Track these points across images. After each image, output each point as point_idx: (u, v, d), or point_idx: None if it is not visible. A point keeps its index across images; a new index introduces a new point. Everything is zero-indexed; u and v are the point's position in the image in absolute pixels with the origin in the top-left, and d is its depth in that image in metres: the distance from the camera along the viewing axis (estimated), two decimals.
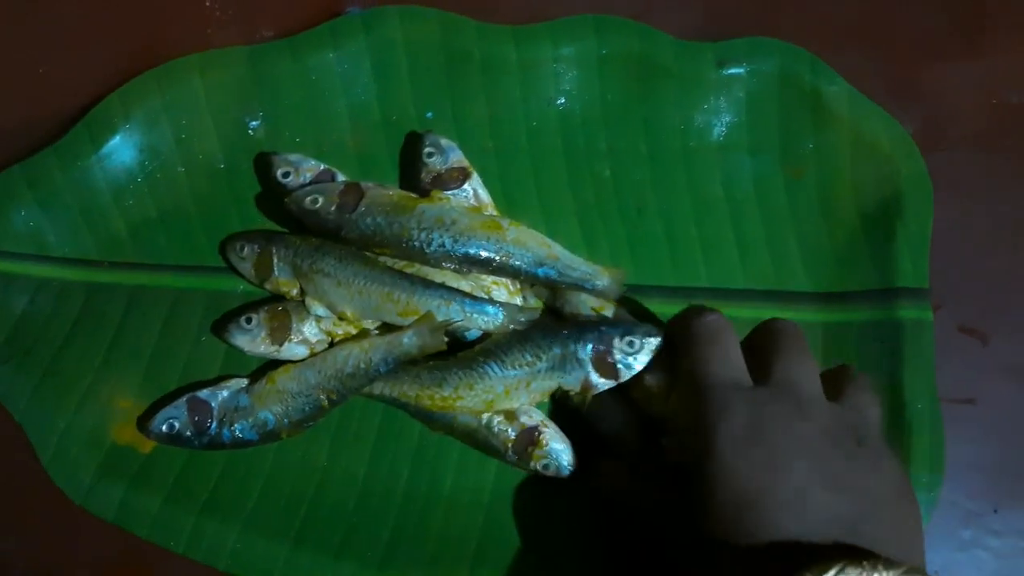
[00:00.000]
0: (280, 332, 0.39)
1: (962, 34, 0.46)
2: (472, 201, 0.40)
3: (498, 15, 0.43)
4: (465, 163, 0.41)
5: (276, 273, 0.39)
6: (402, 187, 0.42)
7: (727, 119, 0.43)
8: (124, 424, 0.39)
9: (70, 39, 0.44)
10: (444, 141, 0.41)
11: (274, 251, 0.39)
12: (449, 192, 0.40)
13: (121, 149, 0.41)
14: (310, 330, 0.39)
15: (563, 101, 0.43)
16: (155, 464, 0.39)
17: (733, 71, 0.43)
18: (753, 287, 0.42)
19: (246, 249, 0.39)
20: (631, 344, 0.38)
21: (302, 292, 0.39)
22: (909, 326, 0.40)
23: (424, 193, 0.40)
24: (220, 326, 0.40)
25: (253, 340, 0.39)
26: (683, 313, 0.38)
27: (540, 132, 0.43)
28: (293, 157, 0.40)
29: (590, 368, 0.38)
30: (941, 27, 0.46)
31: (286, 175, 0.40)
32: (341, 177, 0.41)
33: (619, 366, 0.38)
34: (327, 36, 0.42)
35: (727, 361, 0.35)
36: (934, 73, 0.45)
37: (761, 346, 0.35)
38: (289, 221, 0.41)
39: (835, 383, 0.35)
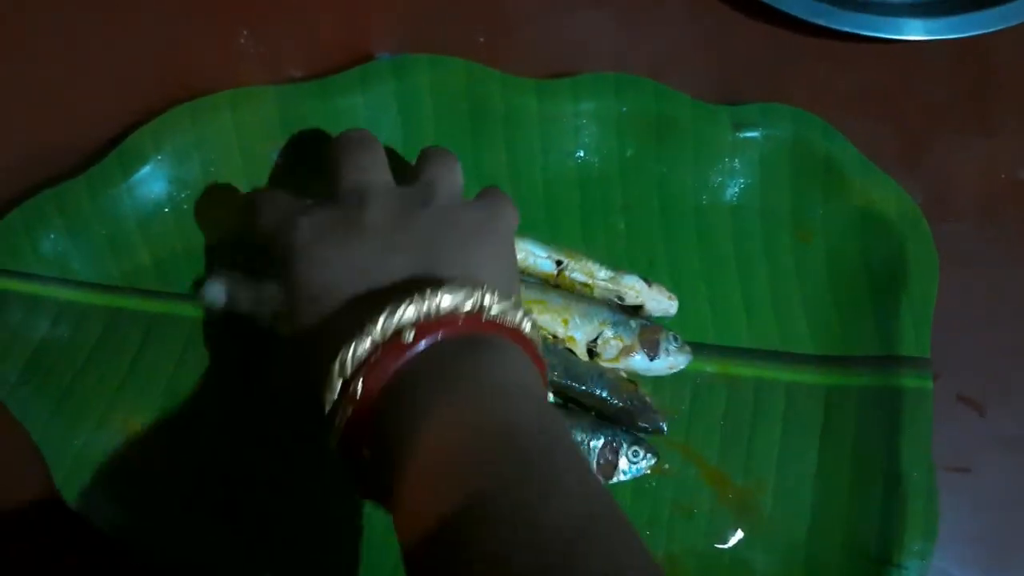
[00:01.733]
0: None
1: (972, 108, 0.47)
2: None
3: (523, 66, 0.44)
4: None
5: None
6: None
7: (740, 180, 0.44)
8: (137, 447, 0.40)
9: (103, 68, 0.45)
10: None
11: None
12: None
13: (150, 180, 0.42)
14: None
15: (582, 154, 0.44)
16: (165, 487, 0.39)
17: (748, 134, 0.44)
18: (758, 347, 0.43)
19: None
20: (635, 454, 0.40)
21: None
22: (909, 394, 0.41)
23: None
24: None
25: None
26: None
27: (558, 183, 0.44)
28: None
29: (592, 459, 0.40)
30: (952, 100, 0.47)
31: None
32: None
33: (618, 469, 0.40)
34: (356, 80, 0.43)
35: (279, 197, 0.37)
36: (943, 145, 0.46)
37: (330, 167, 0.37)
38: None
39: (414, 167, 0.38)
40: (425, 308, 0.29)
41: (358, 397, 0.29)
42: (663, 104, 0.44)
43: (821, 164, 0.44)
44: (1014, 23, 0.45)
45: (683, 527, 0.41)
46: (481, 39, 0.46)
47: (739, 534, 0.41)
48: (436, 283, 0.30)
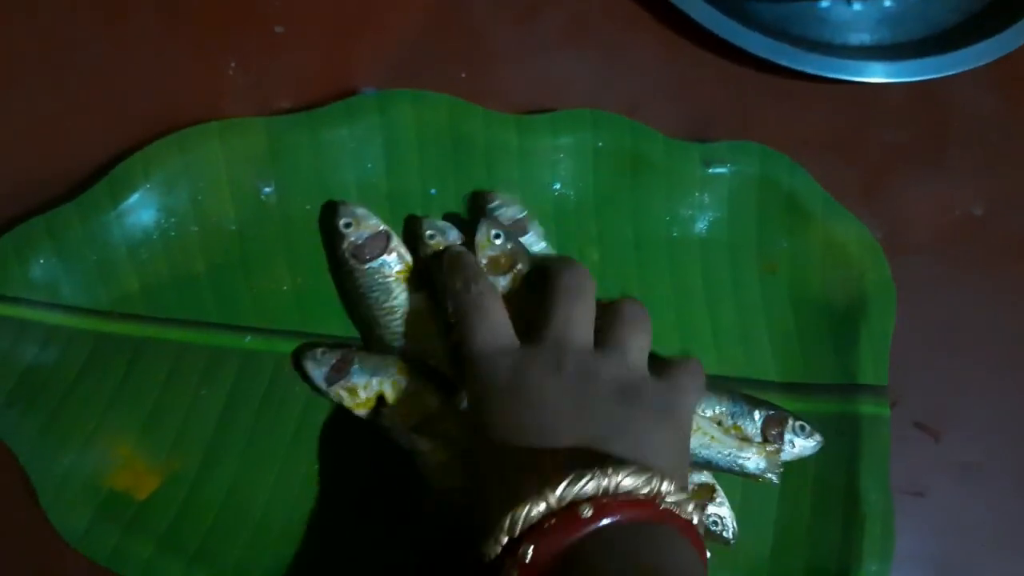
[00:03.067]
0: (335, 373, 0.41)
1: (930, 147, 0.49)
2: (399, 266, 0.43)
3: (503, 102, 0.46)
4: (381, 227, 0.43)
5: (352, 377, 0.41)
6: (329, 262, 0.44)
7: (709, 214, 0.46)
8: (122, 470, 0.41)
9: (93, 97, 0.46)
10: (360, 210, 0.43)
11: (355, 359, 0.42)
12: (376, 261, 0.42)
13: (139, 207, 0.43)
14: (358, 379, 0.41)
15: (559, 187, 0.46)
16: (150, 511, 0.40)
17: (717, 170, 0.46)
18: (725, 374, 0.45)
19: (326, 354, 0.42)
20: (802, 429, 0.42)
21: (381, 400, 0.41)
22: (867, 420, 0.43)
23: (340, 267, 0.43)
24: (299, 353, 0.42)
25: (318, 369, 0.41)
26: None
27: (536, 214, 0.45)
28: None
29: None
30: (910, 140, 0.49)
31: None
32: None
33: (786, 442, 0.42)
34: (342, 113, 0.44)
35: (492, 328, 0.38)
36: (902, 182, 0.49)
37: (542, 305, 0.39)
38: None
39: (607, 316, 0.39)
40: (605, 484, 0.29)
41: (527, 561, 0.28)
42: (637, 140, 0.46)
43: (786, 199, 0.46)
44: (969, 67, 0.48)
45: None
46: (463, 75, 0.47)
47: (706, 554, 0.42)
48: (617, 462, 0.30)
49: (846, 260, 0.45)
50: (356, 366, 0.41)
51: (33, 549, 0.41)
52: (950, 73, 0.47)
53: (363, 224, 0.42)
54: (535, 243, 0.44)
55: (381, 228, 0.43)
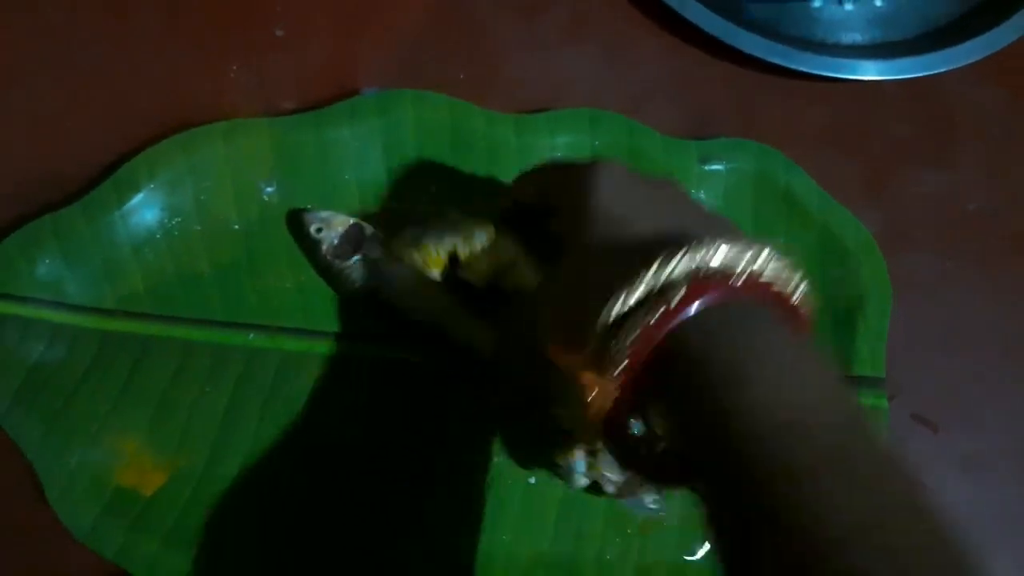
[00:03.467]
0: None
1: (927, 144, 0.50)
2: (382, 248, 0.43)
3: (502, 101, 0.47)
4: (351, 221, 0.43)
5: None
6: (316, 270, 0.45)
7: None
8: (128, 467, 0.41)
9: (99, 98, 0.47)
10: (324, 213, 0.43)
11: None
12: (359, 254, 0.43)
13: (144, 207, 0.43)
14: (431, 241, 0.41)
15: None
16: (156, 507, 0.41)
17: (714, 167, 0.46)
18: None
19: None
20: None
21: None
22: (865, 412, 0.44)
23: (327, 271, 0.44)
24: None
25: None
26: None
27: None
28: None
29: None
30: (908, 137, 0.50)
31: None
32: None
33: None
34: (344, 113, 0.45)
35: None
36: (899, 179, 0.49)
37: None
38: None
39: None
40: (698, 261, 0.26)
41: (622, 355, 0.26)
42: (634, 139, 0.46)
43: (782, 196, 0.46)
44: (962, 64, 0.48)
45: (656, 539, 0.43)
46: (462, 75, 0.48)
47: (707, 546, 0.43)
48: (707, 238, 0.27)
49: (842, 256, 0.46)
50: (423, 228, 0.42)
51: (40, 544, 0.41)
52: (943, 70, 0.48)
53: (333, 224, 0.43)
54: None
55: (352, 222, 0.43)
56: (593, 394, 0.27)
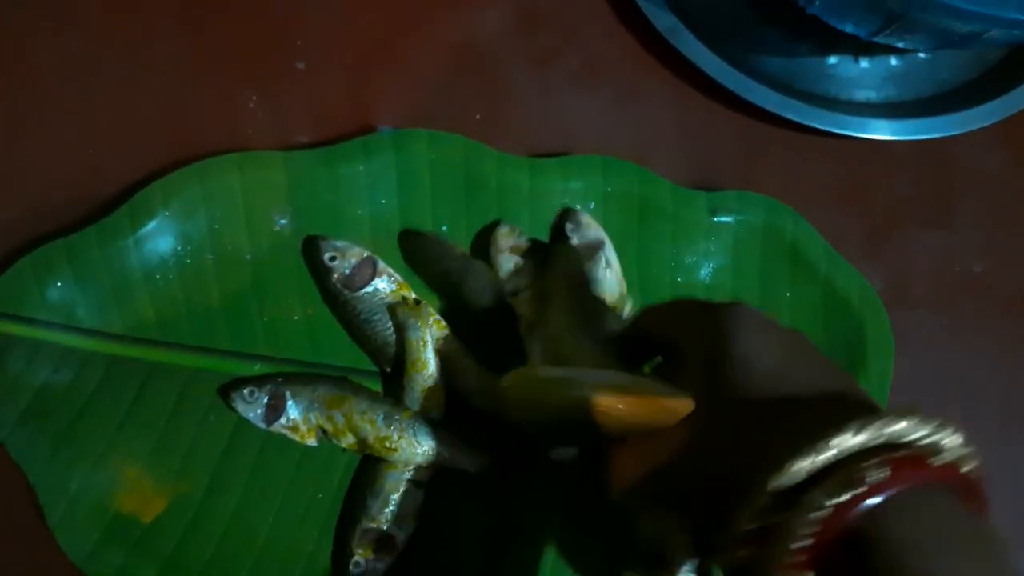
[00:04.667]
0: (272, 413, 0.42)
1: (931, 204, 0.51)
2: (392, 286, 0.44)
3: (516, 143, 0.47)
4: (365, 253, 0.44)
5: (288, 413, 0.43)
6: (323, 297, 0.45)
7: (714, 262, 0.47)
8: (129, 493, 0.41)
9: (116, 125, 0.47)
10: (340, 243, 0.44)
11: (287, 394, 0.43)
12: (368, 287, 0.43)
13: (157, 234, 0.44)
14: (296, 415, 0.42)
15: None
16: (155, 534, 0.41)
17: (723, 219, 0.47)
18: None
19: (255, 393, 0.42)
20: None
21: (323, 431, 0.43)
22: None
23: (335, 299, 0.44)
24: (226, 390, 0.43)
25: (252, 411, 0.42)
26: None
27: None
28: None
29: None
30: (913, 196, 0.51)
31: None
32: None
33: None
34: (359, 150, 0.45)
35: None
36: (903, 237, 0.50)
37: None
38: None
39: None
40: (888, 433, 0.24)
41: (807, 538, 0.24)
42: (645, 187, 0.47)
43: (789, 250, 0.47)
44: (975, 127, 0.49)
45: None
46: (478, 116, 0.49)
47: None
48: (889, 410, 0.25)
49: (846, 311, 0.46)
50: (290, 401, 0.42)
51: (38, 569, 0.41)
52: (953, 133, 0.49)
53: (347, 254, 0.44)
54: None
55: (366, 255, 0.44)
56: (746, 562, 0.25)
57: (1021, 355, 0.49)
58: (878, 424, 0.24)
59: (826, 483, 0.24)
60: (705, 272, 0.47)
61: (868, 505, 0.23)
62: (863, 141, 0.49)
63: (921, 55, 0.51)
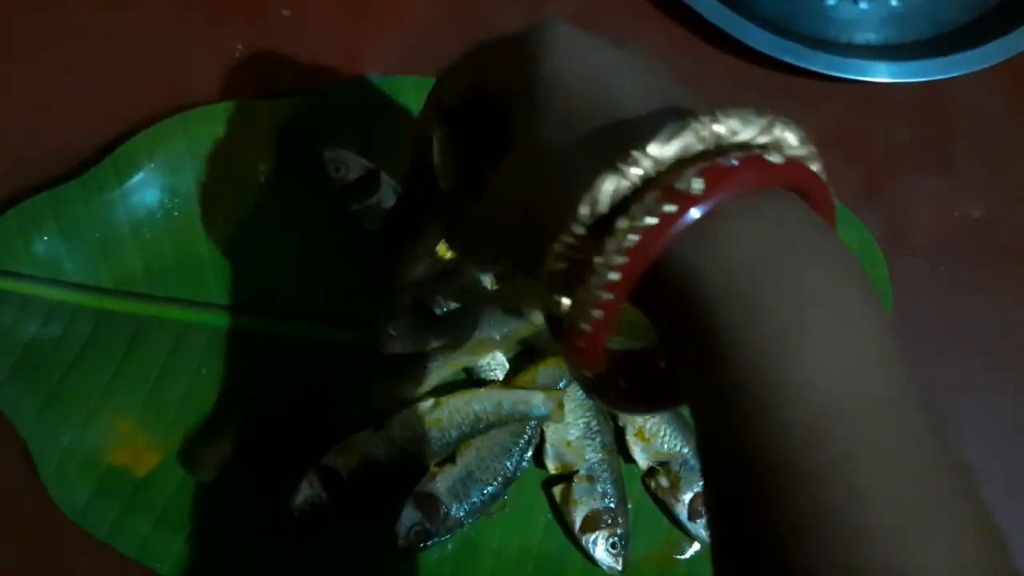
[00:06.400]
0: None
1: (930, 148, 0.50)
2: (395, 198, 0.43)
3: None
4: (370, 165, 0.43)
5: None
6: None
7: None
8: (122, 446, 0.41)
9: (100, 76, 0.46)
10: (344, 152, 0.43)
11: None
12: (374, 198, 0.43)
13: (144, 187, 0.43)
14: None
15: None
16: (148, 488, 0.41)
17: None
18: None
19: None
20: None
21: None
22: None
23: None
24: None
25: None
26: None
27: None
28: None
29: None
30: (912, 141, 0.50)
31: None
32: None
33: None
34: (347, 95, 0.45)
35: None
36: (902, 183, 0.49)
37: None
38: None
39: None
40: (709, 134, 0.20)
41: (625, 251, 0.20)
42: None
43: None
44: (975, 68, 0.48)
45: (646, 537, 0.43)
46: None
47: (696, 547, 0.43)
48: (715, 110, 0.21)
49: None
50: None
51: (32, 522, 0.41)
52: (953, 75, 0.48)
53: (351, 165, 0.43)
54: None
55: (370, 167, 0.43)
56: (565, 311, 0.21)
57: (1020, 301, 0.48)
58: (694, 127, 0.20)
59: (633, 207, 0.20)
60: None
61: (685, 224, 0.19)
62: (862, 85, 0.48)
63: None
